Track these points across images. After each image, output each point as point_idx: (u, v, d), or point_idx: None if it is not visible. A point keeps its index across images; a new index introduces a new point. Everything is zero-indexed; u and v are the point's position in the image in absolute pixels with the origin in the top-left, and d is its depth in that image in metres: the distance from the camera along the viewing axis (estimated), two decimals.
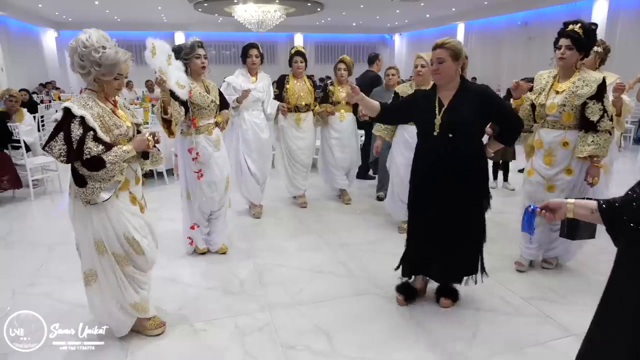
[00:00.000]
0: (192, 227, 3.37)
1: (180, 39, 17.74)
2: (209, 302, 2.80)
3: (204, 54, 3.16)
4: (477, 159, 2.46)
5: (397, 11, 14.71)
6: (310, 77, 4.62)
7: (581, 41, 2.64)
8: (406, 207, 3.82)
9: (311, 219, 4.35)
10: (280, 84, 4.41)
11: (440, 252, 2.53)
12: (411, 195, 2.62)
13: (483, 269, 2.64)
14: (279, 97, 4.35)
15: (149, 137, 2.18)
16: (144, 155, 2.28)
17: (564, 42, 2.69)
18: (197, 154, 3.17)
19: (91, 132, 1.98)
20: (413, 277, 2.75)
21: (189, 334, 2.47)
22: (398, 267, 2.74)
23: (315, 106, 4.54)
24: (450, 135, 2.36)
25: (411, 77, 3.91)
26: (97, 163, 1.98)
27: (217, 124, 3.30)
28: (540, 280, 3.04)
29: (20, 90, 7.81)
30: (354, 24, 18.44)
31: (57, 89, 13.64)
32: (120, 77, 2.11)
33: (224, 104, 3.42)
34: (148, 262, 2.32)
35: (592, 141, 2.69)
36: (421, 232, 2.59)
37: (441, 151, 2.39)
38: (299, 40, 19.77)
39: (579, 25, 2.64)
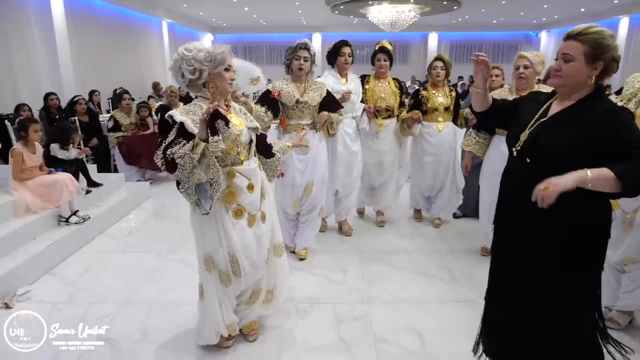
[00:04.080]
0: None
1: (317, 40, 18.73)
2: (313, 286, 3.01)
3: (305, 55, 3.10)
4: (580, 203, 1.54)
5: (545, 6, 13.42)
6: (396, 79, 3.95)
7: None
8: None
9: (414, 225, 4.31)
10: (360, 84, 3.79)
11: (514, 327, 1.79)
12: (494, 231, 1.91)
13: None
14: None
15: (204, 114, 1.87)
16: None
17: None
18: None
19: (180, 139, 1.91)
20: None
21: (292, 311, 2.71)
22: (477, 343, 2.02)
23: (400, 112, 3.85)
24: (528, 160, 1.65)
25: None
26: (171, 164, 1.90)
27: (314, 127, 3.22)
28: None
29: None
30: (494, 22, 17.32)
31: None
32: (230, 67, 2.07)
33: (326, 106, 3.25)
34: (242, 285, 2.22)
35: None
36: (496, 285, 1.90)
37: (519, 180, 1.68)
38: (433, 40, 19.32)
39: None
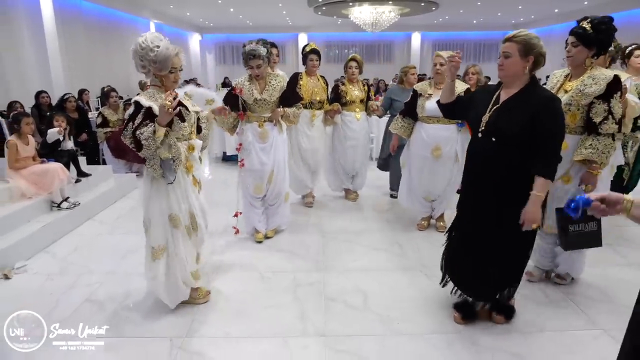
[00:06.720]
0: (235, 215, 3.62)
1: (303, 40, 19.11)
2: (277, 259, 3.44)
3: (258, 63, 3.27)
4: (528, 171, 2.12)
5: (520, 7, 13.95)
6: (322, 76, 4.51)
7: (588, 37, 2.43)
8: (425, 204, 3.89)
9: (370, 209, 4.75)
10: (293, 82, 4.19)
11: (470, 264, 2.37)
12: (460, 194, 2.50)
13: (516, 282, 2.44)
14: None
15: (166, 101, 2.13)
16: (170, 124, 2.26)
17: (570, 39, 2.53)
18: (239, 144, 3.54)
19: (148, 121, 2.19)
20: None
21: (257, 278, 3.13)
22: (443, 279, 2.62)
23: (326, 105, 4.45)
24: (493, 140, 2.15)
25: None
26: (139, 143, 2.18)
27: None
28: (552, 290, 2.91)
29: None
30: (474, 22, 17.85)
31: (198, 84, 15.82)
32: (174, 70, 2.31)
33: (284, 100, 3.53)
34: (198, 239, 2.60)
35: (590, 144, 2.49)
36: (457, 235, 2.48)
37: (484, 155, 2.20)
38: (416, 40, 19.79)
39: (588, 20, 2.45)
